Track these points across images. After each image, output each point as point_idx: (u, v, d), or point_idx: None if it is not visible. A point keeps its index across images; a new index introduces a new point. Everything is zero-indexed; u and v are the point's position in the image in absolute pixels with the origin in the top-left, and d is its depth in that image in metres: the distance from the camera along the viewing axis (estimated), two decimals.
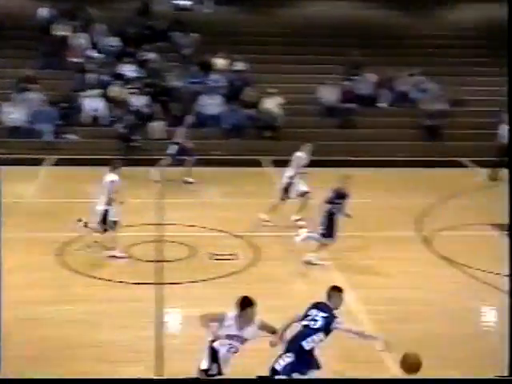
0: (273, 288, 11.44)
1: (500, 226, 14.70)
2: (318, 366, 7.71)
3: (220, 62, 23.24)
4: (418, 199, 16.57)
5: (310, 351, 7.64)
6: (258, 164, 20.15)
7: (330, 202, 12.55)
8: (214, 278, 11.79)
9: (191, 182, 17.68)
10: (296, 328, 7.87)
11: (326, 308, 7.90)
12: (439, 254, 13.20)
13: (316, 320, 7.79)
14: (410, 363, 6.72)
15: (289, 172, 14.76)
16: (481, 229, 14.68)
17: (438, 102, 22.14)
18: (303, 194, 14.66)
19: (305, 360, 7.60)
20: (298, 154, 14.81)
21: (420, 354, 8.89)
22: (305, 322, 7.83)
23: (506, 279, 11.89)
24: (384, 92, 22.87)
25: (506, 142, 18.44)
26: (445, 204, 16.52)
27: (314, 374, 7.61)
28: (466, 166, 20.56)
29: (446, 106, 22.21)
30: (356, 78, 23.09)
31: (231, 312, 7.48)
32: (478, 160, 20.52)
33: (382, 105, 22.87)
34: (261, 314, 10.40)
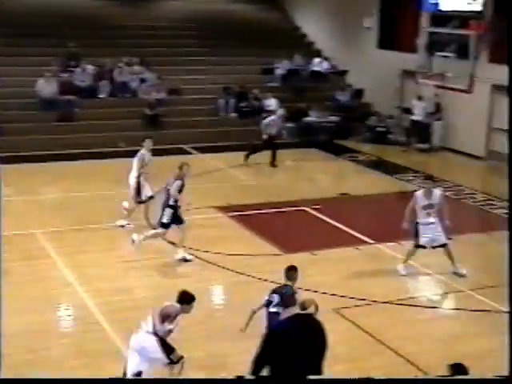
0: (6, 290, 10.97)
1: (223, 208, 15.51)
2: None
3: None
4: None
5: None
6: None
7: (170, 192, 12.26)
8: None
9: None
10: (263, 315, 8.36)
11: (284, 292, 7.82)
12: (168, 241, 13.54)
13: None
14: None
15: (134, 173, 13.96)
16: (205, 212, 15.30)
17: (157, 91, 22.62)
18: (150, 198, 14.00)
19: None
20: (142, 151, 14.07)
21: None
22: (273, 310, 8.20)
23: (228, 257, 12.63)
24: (103, 83, 22.79)
25: (268, 132, 19.46)
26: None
27: None
28: (189, 153, 21.22)
29: (164, 95, 22.78)
30: (74, 69, 22.71)
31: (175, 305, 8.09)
32: (198, 147, 21.36)
33: (102, 96, 22.78)
34: None
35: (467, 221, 15.32)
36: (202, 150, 21.02)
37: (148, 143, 14.19)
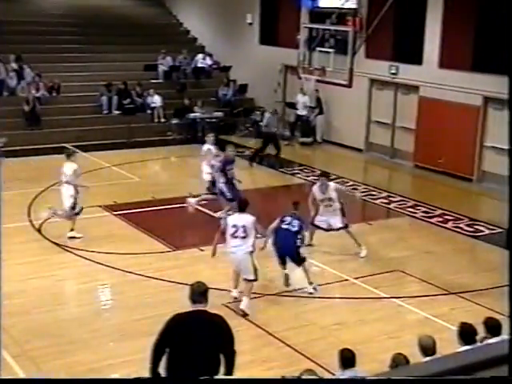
0: None
1: (109, 207, 15.32)
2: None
3: None
4: (27, 189, 16.37)
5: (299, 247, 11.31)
6: None
7: (222, 170, 14.19)
8: None
9: None
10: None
11: (298, 216, 11.44)
12: (52, 241, 13.27)
13: (293, 225, 11.22)
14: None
15: (206, 168, 15.30)
16: (91, 211, 15.03)
17: (36, 89, 21.98)
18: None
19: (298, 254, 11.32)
20: (208, 146, 15.50)
21: (45, 341, 8.97)
22: (284, 226, 11.25)
23: (116, 256, 12.50)
24: None
25: (267, 131, 19.64)
26: (54, 191, 16.56)
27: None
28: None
29: (44, 93, 22.18)
30: None
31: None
32: (81, 145, 20.93)
33: None
34: None
35: (349, 211, 15.76)
36: (86, 149, 20.60)
37: (211, 138, 15.71)
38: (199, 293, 6.83)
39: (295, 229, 11.24)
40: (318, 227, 13.09)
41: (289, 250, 11.35)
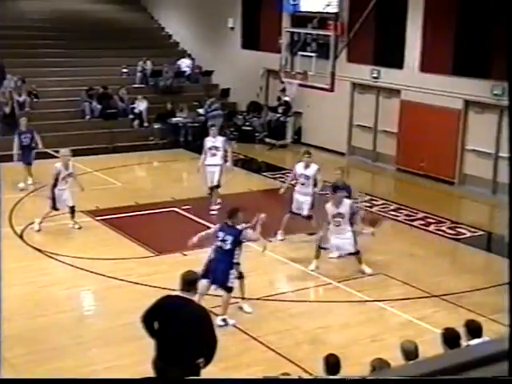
0: None
1: (91, 212, 15.24)
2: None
3: None
4: (8, 195, 16.22)
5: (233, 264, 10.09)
6: None
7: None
8: None
9: None
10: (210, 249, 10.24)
11: (231, 228, 10.04)
12: (34, 247, 13.19)
13: (226, 241, 9.94)
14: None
15: None
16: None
17: (18, 94, 21.84)
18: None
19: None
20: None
21: (27, 348, 8.90)
22: (218, 243, 10.04)
23: (98, 262, 12.44)
24: None
25: None
26: (35, 196, 16.48)
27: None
28: (54, 157, 20.59)
29: (25, 98, 22.04)
30: None
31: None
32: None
33: None
34: None
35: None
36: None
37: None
38: (189, 281, 7.13)
39: (228, 247, 10.11)
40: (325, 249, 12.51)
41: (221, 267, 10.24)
